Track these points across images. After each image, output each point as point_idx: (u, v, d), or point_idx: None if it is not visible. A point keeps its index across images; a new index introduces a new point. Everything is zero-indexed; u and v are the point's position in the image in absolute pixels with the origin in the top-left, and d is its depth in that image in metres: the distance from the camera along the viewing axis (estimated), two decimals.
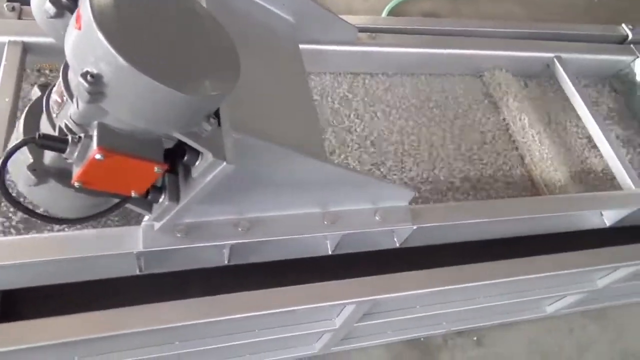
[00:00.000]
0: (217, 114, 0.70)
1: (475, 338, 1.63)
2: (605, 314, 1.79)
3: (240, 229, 0.90)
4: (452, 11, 2.73)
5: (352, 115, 1.33)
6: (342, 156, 1.26)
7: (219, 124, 0.69)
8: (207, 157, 0.66)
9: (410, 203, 1.03)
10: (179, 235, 0.86)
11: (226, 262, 0.99)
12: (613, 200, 1.26)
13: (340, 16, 1.27)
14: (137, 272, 0.93)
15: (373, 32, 1.39)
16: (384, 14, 2.55)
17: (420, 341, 1.59)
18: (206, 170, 0.67)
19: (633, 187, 1.29)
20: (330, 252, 1.06)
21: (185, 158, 0.67)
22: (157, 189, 0.73)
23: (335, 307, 1.15)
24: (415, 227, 1.04)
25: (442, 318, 1.54)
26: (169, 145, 0.70)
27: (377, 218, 1.00)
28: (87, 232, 0.89)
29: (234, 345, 1.16)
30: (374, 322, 1.25)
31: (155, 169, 0.64)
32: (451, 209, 1.11)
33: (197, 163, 0.68)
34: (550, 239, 1.26)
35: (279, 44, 1.10)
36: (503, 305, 1.55)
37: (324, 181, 0.93)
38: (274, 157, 0.78)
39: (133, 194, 0.68)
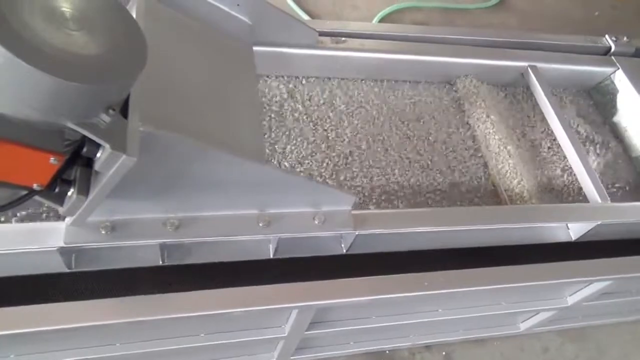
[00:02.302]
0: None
1: (444, 353, 1.58)
2: (583, 334, 1.72)
3: (168, 228, 0.89)
4: (444, 22, 2.71)
5: (312, 120, 1.31)
6: (303, 161, 1.24)
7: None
8: (106, 148, 0.64)
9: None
10: (103, 232, 0.85)
11: (161, 262, 0.97)
12: (578, 212, 1.22)
13: (305, 19, 1.27)
14: (66, 270, 0.92)
15: (340, 37, 1.38)
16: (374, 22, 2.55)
17: (385, 354, 1.54)
18: (107, 163, 0.66)
19: (599, 200, 1.24)
20: (271, 256, 1.04)
21: (85, 150, 0.66)
22: (66, 182, 0.72)
23: (281, 313, 1.12)
24: (357, 233, 1.01)
25: (407, 330, 1.50)
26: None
27: (316, 222, 0.97)
28: (16, 226, 0.89)
29: (180, 349, 1.14)
30: (326, 330, 1.22)
31: (52, 159, 0.63)
32: (398, 216, 1.08)
33: (97, 155, 0.66)
34: (512, 251, 1.22)
35: (230, 44, 1.09)
36: (473, 320, 1.51)
37: (260, 182, 0.91)
38: (191, 153, 0.77)
39: (35, 186, 0.67)
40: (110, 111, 0.63)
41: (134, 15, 0.81)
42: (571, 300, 1.39)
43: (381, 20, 2.56)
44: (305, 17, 2.41)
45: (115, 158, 0.65)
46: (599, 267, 1.23)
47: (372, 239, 1.09)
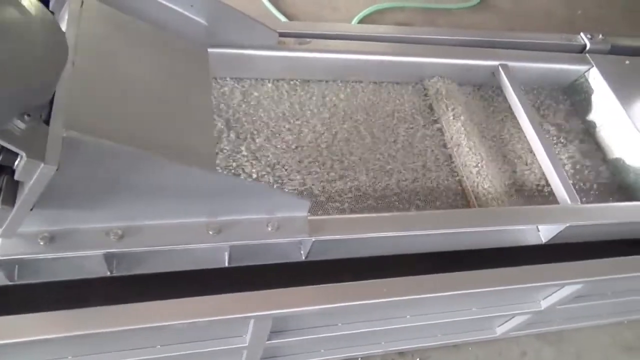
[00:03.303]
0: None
1: (418, 359, 1.55)
2: (562, 337, 1.69)
3: (112, 238, 0.85)
4: (425, 22, 2.68)
5: (275, 123, 1.28)
6: (265, 167, 1.21)
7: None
8: (22, 157, 0.61)
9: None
10: (41, 243, 0.81)
11: (109, 273, 0.94)
12: (547, 214, 1.18)
13: (266, 22, 1.24)
14: (8, 282, 0.89)
15: (306, 38, 1.35)
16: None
17: None
18: (26, 172, 0.63)
19: (569, 201, 1.21)
20: (226, 264, 1.00)
21: (1, 158, 0.62)
22: None
23: (239, 322, 1.09)
24: (313, 239, 0.98)
25: (379, 337, 1.46)
26: None
27: (269, 229, 0.94)
28: None
29: None
30: (289, 339, 1.19)
31: None
32: (357, 221, 1.04)
33: (16, 163, 0.63)
34: (480, 255, 1.19)
35: (182, 46, 1.06)
36: (446, 325, 1.48)
37: (209, 189, 0.88)
38: (125, 160, 0.73)
39: None
40: (26, 117, 0.60)
41: (67, 18, 0.78)
42: (545, 303, 1.36)
43: (361, 22, 2.54)
44: (282, 19, 2.38)
45: (34, 166, 0.62)
46: (570, 270, 1.20)
47: (333, 245, 1.06)
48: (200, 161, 0.91)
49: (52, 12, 0.87)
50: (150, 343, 1.09)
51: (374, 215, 1.11)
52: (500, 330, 1.57)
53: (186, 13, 1.11)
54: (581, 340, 1.70)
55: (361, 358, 1.51)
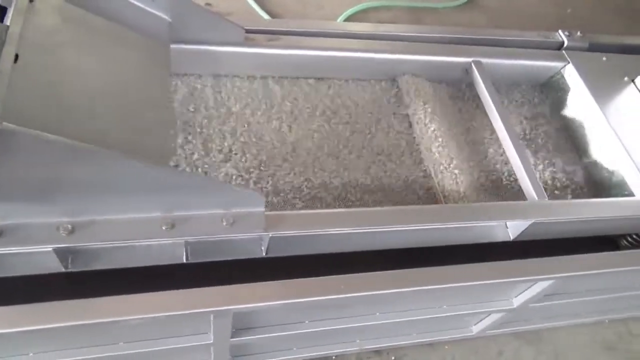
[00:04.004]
0: None
1: (393, 358, 1.54)
2: (541, 336, 1.68)
3: (62, 232, 0.85)
4: (412, 21, 2.67)
5: (241, 120, 1.27)
6: (225, 162, 1.20)
7: None
8: None
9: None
10: None
11: (63, 269, 0.93)
12: (513, 210, 1.18)
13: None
14: None
15: (279, 35, 1.35)
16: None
17: None
18: None
19: (537, 198, 1.20)
20: (184, 260, 1.00)
21: None
22: None
23: (200, 319, 1.08)
24: (270, 235, 0.98)
25: (352, 335, 1.46)
26: None
27: (224, 224, 0.94)
28: None
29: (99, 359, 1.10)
30: (255, 337, 1.18)
31: None
32: (318, 216, 1.04)
33: None
34: (447, 252, 1.18)
35: (141, 42, 1.06)
36: (420, 323, 1.47)
37: (163, 184, 0.87)
38: (65, 153, 0.73)
39: None
40: None
41: (12, 12, 0.78)
42: (517, 301, 1.35)
43: (346, 20, 2.53)
44: (265, 16, 2.38)
45: None
46: (540, 267, 1.19)
47: (295, 241, 1.06)
48: (153, 156, 0.91)
49: (5, 7, 0.87)
50: (114, 340, 1.09)
51: (335, 210, 1.11)
52: (476, 329, 1.56)
53: (148, 9, 1.11)
54: (560, 340, 1.68)
55: (335, 356, 1.50)
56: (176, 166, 1.09)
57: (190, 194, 0.91)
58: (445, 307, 1.33)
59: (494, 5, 2.91)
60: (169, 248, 0.97)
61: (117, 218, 0.89)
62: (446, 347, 1.59)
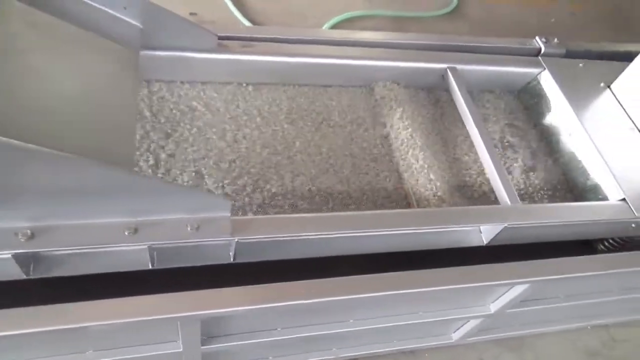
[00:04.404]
0: None
1: None
2: (523, 343, 1.67)
3: (20, 238, 0.84)
4: (395, 30, 2.69)
5: (214, 127, 1.27)
6: (199, 168, 1.20)
7: None
8: None
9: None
10: None
11: (25, 275, 0.92)
12: (486, 215, 1.17)
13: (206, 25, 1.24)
14: None
15: (254, 41, 1.36)
16: None
17: None
18: None
19: (509, 202, 1.20)
20: (150, 267, 0.99)
21: None
22: None
23: (169, 326, 1.07)
24: (236, 240, 0.97)
25: (329, 342, 1.44)
26: None
27: (189, 229, 0.93)
28: None
29: None
30: (227, 344, 1.17)
31: None
32: (286, 221, 1.03)
33: None
34: (418, 256, 1.18)
35: (110, 48, 1.06)
36: (399, 330, 1.46)
37: (125, 189, 0.87)
38: (19, 157, 0.73)
39: None
40: None
41: None
42: (494, 307, 1.34)
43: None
44: (247, 24, 2.39)
45: None
46: (515, 271, 1.18)
47: (265, 247, 1.05)
48: (115, 160, 0.90)
49: None
50: (81, 349, 1.07)
51: (303, 215, 1.10)
52: (456, 336, 1.55)
53: (119, 15, 1.11)
54: (542, 346, 1.67)
55: None
56: (141, 171, 1.08)
57: (155, 198, 0.90)
58: (421, 313, 1.32)
59: (478, 15, 2.94)
60: (133, 254, 0.96)
61: (78, 223, 0.88)
62: (426, 354, 1.57)
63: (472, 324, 1.46)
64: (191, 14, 2.35)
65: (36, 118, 0.81)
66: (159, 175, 1.15)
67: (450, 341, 1.57)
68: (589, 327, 1.77)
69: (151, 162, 1.15)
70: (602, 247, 1.40)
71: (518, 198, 1.21)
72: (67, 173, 0.80)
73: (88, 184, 0.83)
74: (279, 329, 1.21)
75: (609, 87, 1.57)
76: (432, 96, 1.54)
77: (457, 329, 1.53)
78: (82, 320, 0.90)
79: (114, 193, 0.86)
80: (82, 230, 0.88)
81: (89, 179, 0.82)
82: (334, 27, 2.57)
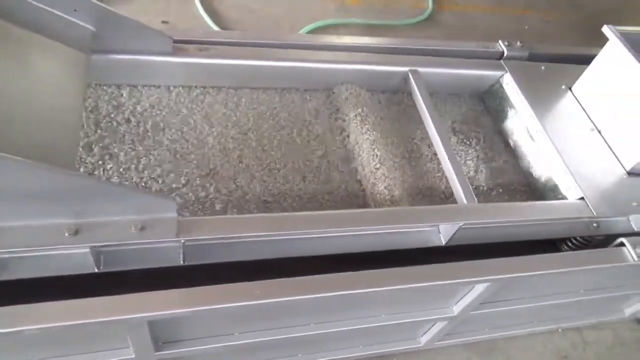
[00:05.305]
0: None
1: None
2: (494, 347, 1.65)
3: None
4: None
5: (171, 132, 1.26)
6: (152, 172, 1.19)
7: None
8: None
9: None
10: None
11: None
12: (441, 214, 1.17)
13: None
14: None
15: (211, 45, 1.35)
16: None
17: None
18: None
19: (465, 201, 1.20)
20: (96, 270, 0.97)
21: None
22: None
23: (110, 328, 1.04)
24: (182, 240, 0.96)
25: (294, 347, 1.42)
26: None
27: (132, 230, 0.91)
28: None
29: None
30: (181, 350, 1.14)
31: None
32: (234, 221, 1.02)
33: None
34: (376, 257, 1.17)
35: (55, 50, 1.05)
36: (362, 333, 1.44)
37: (64, 190, 0.85)
38: None
39: None
40: None
41: None
42: (457, 308, 1.33)
43: None
44: (216, 28, 2.40)
45: None
46: (472, 269, 1.18)
47: (215, 248, 1.03)
48: (57, 162, 0.89)
49: None
50: (30, 357, 1.05)
51: (253, 215, 1.09)
52: (424, 340, 1.53)
53: (69, 18, 1.11)
54: (513, 350, 1.66)
55: None
56: (90, 173, 1.07)
57: (97, 199, 0.89)
58: (383, 315, 1.31)
59: (453, 22, 2.98)
60: (77, 257, 0.94)
61: (15, 225, 0.86)
62: (395, 359, 1.55)
63: (438, 326, 1.44)
64: (163, 22, 2.36)
65: None
66: (105, 176, 1.13)
67: (419, 345, 1.55)
68: (559, 330, 1.76)
69: (95, 164, 1.14)
70: (565, 247, 1.40)
71: (475, 197, 1.21)
72: (5, 174, 0.78)
73: (26, 185, 0.82)
74: (236, 334, 1.19)
75: (570, 89, 1.58)
76: (395, 99, 1.55)
77: (425, 333, 1.51)
78: (16, 323, 0.87)
79: (54, 194, 0.85)
80: (18, 232, 0.86)
81: (26, 181, 0.81)
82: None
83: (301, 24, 2.61)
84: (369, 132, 1.35)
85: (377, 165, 1.28)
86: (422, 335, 1.53)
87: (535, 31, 3.10)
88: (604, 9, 3.50)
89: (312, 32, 2.58)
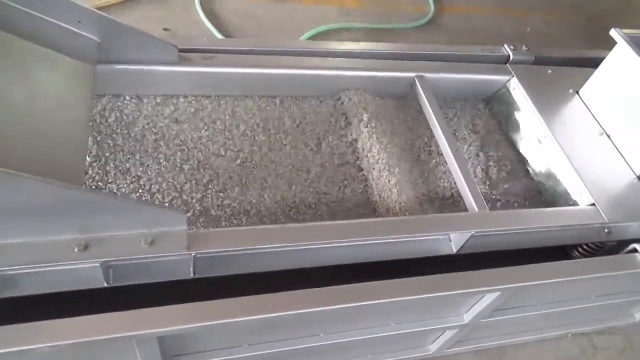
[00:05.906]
0: None
1: None
2: (503, 353, 1.64)
3: None
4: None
5: (178, 142, 1.25)
6: (161, 184, 1.17)
7: None
8: None
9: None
10: None
11: None
12: (452, 222, 1.16)
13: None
14: None
15: (216, 53, 1.34)
16: None
17: None
18: None
19: (477, 209, 1.19)
20: (105, 284, 0.96)
21: None
22: None
23: (119, 345, 1.02)
24: (193, 254, 0.94)
25: (302, 358, 1.40)
26: None
27: (142, 244, 0.90)
28: None
29: None
30: None
31: None
32: (245, 233, 1.01)
33: None
34: (390, 267, 1.15)
35: (61, 62, 1.04)
36: (372, 342, 1.42)
37: (73, 205, 0.84)
38: None
39: None
40: None
41: None
42: (467, 317, 1.32)
43: None
44: (219, 36, 2.39)
45: None
46: (485, 278, 1.16)
47: (225, 260, 1.02)
48: (64, 177, 0.87)
49: None
50: None
51: (264, 227, 1.08)
52: (433, 348, 1.52)
53: (74, 29, 1.09)
54: (523, 357, 1.65)
55: None
56: (95, 187, 1.06)
57: (105, 214, 0.88)
58: (393, 325, 1.29)
59: (454, 25, 2.97)
60: (86, 271, 0.93)
61: (24, 241, 0.85)
62: None
63: (448, 334, 1.43)
64: (164, 29, 2.35)
65: None
66: (112, 190, 1.12)
67: (429, 353, 1.53)
68: (569, 336, 1.75)
69: (100, 177, 1.13)
70: (576, 253, 1.38)
71: (486, 205, 1.20)
72: (12, 191, 0.77)
73: (34, 201, 0.80)
74: (245, 346, 1.17)
75: (577, 93, 1.57)
76: (402, 105, 1.54)
77: (434, 341, 1.50)
78: (28, 342, 0.86)
79: (63, 210, 0.84)
80: (27, 248, 0.85)
81: (35, 197, 0.80)
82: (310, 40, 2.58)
83: (303, 29, 2.59)
84: (377, 139, 1.34)
85: (386, 172, 1.27)
86: (431, 343, 1.52)
87: (537, 33, 3.09)
88: (605, 10, 3.50)
89: (315, 37, 2.57)
